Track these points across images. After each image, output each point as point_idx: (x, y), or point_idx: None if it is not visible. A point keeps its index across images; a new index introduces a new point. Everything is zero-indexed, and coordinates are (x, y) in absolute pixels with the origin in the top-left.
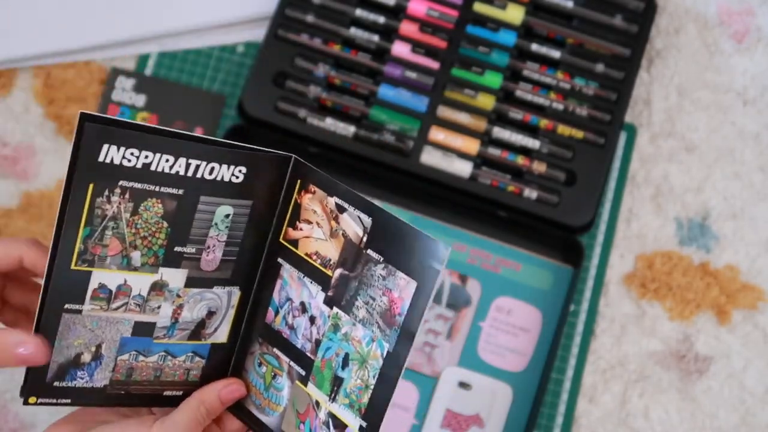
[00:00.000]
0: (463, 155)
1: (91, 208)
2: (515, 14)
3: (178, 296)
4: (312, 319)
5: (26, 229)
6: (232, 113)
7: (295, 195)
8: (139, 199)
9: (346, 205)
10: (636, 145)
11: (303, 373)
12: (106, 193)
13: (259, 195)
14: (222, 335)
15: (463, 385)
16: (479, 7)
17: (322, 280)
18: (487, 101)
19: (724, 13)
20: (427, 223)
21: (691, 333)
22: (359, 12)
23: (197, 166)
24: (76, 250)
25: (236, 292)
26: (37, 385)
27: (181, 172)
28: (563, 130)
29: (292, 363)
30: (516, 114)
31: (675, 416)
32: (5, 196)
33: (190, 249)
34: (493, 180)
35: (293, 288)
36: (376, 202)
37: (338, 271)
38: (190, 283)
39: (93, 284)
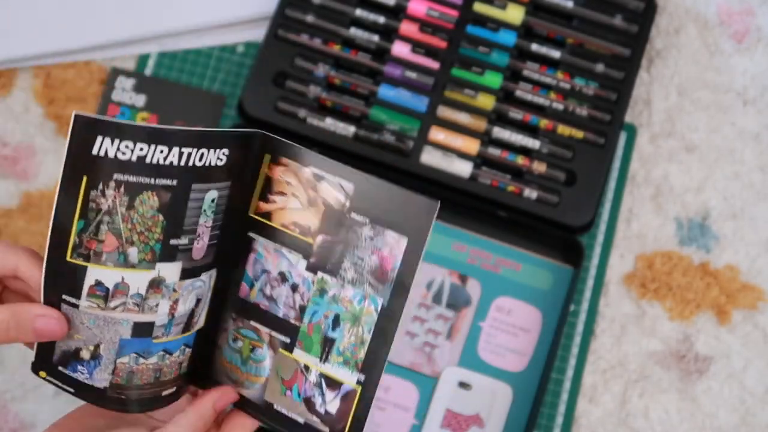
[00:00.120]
0: (463, 155)
1: (85, 201)
2: (515, 14)
3: (174, 291)
4: (294, 287)
5: (26, 229)
6: (232, 113)
7: (264, 169)
8: (135, 192)
9: (323, 174)
10: (636, 145)
11: (287, 340)
12: (101, 186)
13: (235, 174)
14: (202, 320)
15: (463, 385)
16: (479, 7)
17: (302, 248)
18: (487, 101)
19: (724, 13)
20: None
21: (691, 333)
22: (359, 12)
23: (189, 154)
24: (71, 243)
25: (214, 274)
26: (46, 361)
27: (175, 162)
28: (563, 130)
29: (273, 333)
30: (516, 114)
31: (675, 416)
32: (5, 196)
33: (183, 240)
34: (493, 180)
35: (269, 260)
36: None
37: (320, 237)
38: (184, 275)
39: (89, 280)
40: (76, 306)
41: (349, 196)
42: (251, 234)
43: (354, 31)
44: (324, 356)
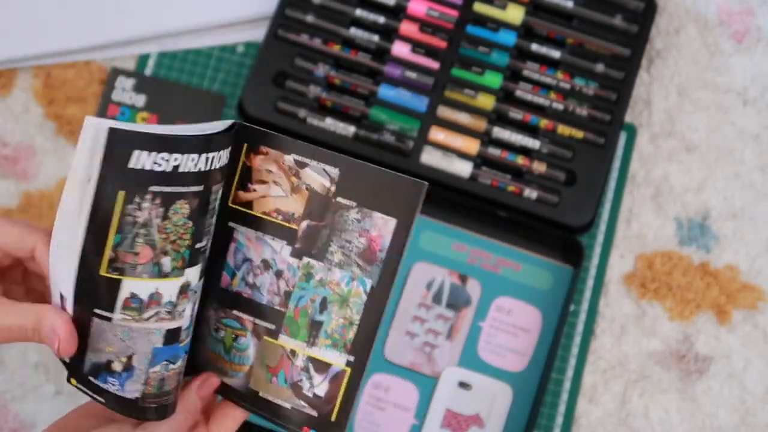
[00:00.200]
0: (463, 155)
1: (122, 215)
2: (515, 14)
3: (195, 292)
4: (279, 273)
5: None
6: (232, 113)
7: (243, 159)
8: (169, 202)
9: (306, 160)
10: (636, 145)
11: (272, 327)
12: (137, 199)
13: (227, 169)
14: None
15: (463, 385)
16: (479, 7)
17: (286, 235)
18: (487, 101)
19: (724, 13)
20: (428, 223)
21: (691, 333)
22: (359, 12)
23: (212, 159)
24: (106, 257)
25: (202, 267)
26: (77, 371)
27: (203, 168)
28: (563, 130)
29: (257, 320)
30: (516, 114)
31: (675, 416)
32: (5, 196)
33: (204, 242)
34: (493, 180)
35: (251, 249)
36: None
37: (305, 223)
38: (201, 275)
39: (124, 293)
40: (108, 319)
41: (334, 180)
42: (231, 224)
43: (354, 31)
44: (311, 340)
